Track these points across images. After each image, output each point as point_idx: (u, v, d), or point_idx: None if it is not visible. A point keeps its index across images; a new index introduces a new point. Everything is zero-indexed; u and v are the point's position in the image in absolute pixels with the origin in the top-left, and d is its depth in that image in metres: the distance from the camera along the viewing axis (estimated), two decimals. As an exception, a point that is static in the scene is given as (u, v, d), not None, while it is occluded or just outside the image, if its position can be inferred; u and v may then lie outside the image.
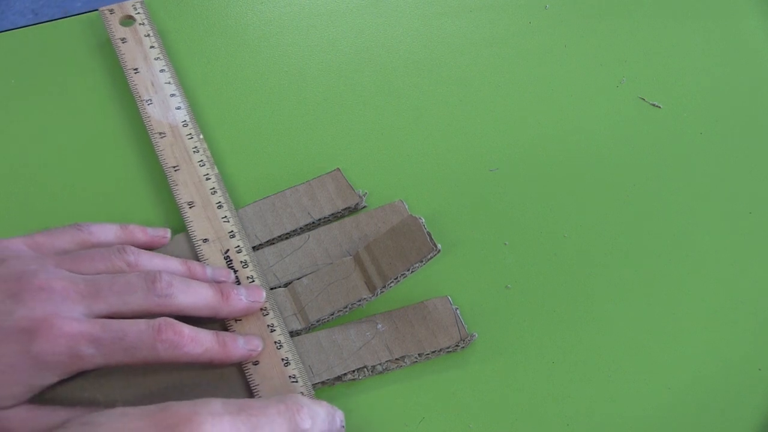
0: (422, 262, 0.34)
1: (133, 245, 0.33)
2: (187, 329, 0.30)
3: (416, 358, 0.34)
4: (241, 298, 0.33)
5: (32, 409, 0.29)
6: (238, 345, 0.32)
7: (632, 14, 0.47)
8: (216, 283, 0.33)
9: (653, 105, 0.43)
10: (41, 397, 0.29)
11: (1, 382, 0.28)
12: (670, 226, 0.39)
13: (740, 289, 0.37)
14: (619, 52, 0.45)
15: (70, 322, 0.28)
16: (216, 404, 0.26)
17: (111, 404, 0.31)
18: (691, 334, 0.35)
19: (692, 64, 0.45)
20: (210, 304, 0.32)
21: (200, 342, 0.30)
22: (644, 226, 0.39)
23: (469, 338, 0.34)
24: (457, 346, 0.34)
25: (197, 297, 0.32)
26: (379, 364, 0.34)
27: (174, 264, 0.34)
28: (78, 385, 0.31)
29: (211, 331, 0.31)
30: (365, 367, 0.33)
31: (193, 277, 0.33)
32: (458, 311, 0.35)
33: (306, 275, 0.36)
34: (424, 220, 0.35)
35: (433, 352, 0.34)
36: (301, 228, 0.38)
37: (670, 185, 0.40)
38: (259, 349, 0.32)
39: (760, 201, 0.40)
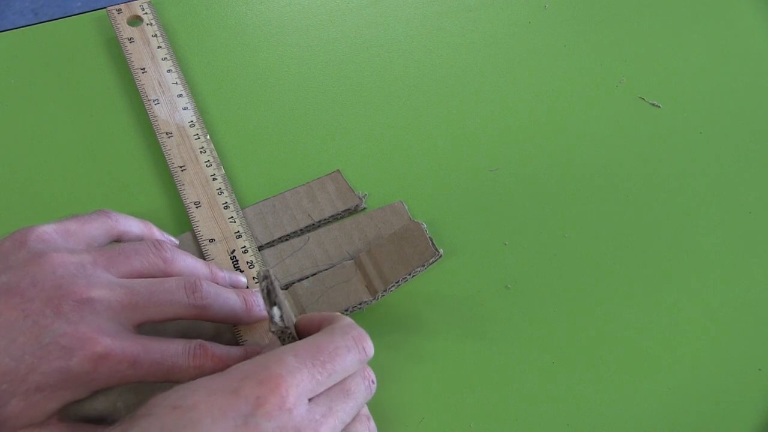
0: (424, 266, 0.33)
1: None
2: (218, 351, 0.28)
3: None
4: (260, 308, 0.31)
5: (65, 428, 0.27)
6: None
7: (632, 14, 0.45)
8: (238, 291, 0.31)
9: (653, 105, 0.41)
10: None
11: (38, 399, 0.26)
12: (669, 225, 0.37)
13: (740, 289, 0.35)
14: (619, 52, 0.43)
15: (113, 341, 0.26)
16: (290, 359, 0.24)
17: (111, 404, 0.30)
18: (691, 334, 0.34)
19: (692, 64, 0.43)
20: (236, 314, 0.30)
21: (231, 363, 0.28)
22: (644, 225, 0.37)
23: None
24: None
25: (227, 307, 0.30)
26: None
27: (201, 266, 0.32)
28: None
29: (241, 348, 0.29)
30: None
31: (215, 280, 0.31)
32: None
33: (307, 278, 0.34)
34: (426, 225, 0.33)
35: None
36: (301, 230, 0.36)
37: (670, 185, 0.38)
38: None
39: (760, 201, 0.38)
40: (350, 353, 0.25)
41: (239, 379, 0.24)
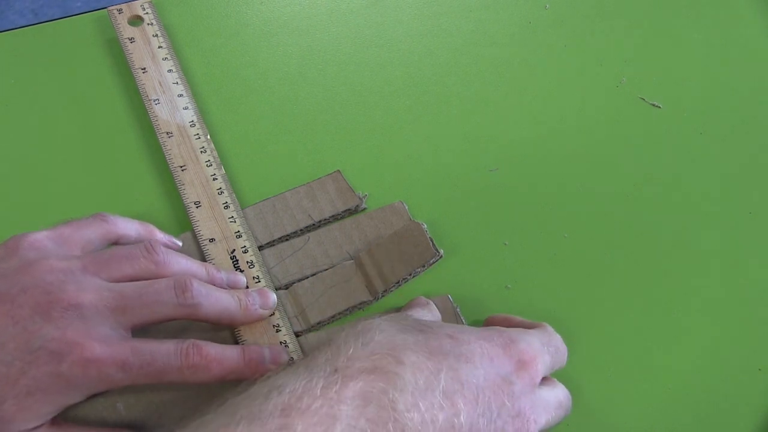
0: (424, 266, 0.32)
1: None
2: (213, 351, 0.28)
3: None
4: (257, 308, 0.31)
5: (59, 431, 0.27)
6: (264, 360, 0.29)
7: (632, 14, 0.45)
8: (233, 291, 0.31)
9: (653, 105, 0.41)
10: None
11: (31, 403, 0.25)
12: (670, 226, 0.37)
13: (740, 289, 0.35)
14: (619, 52, 0.43)
15: (101, 345, 0.26)
16: (538, 343, 0.28)
17: (111, 405, 0.29)
18: (691, 334, 0.34)
19: (692, 64, 0.43)
20: (231, 314, 0.30)
21: (226, 363, 0.28)
22: (644, 226, 0.37)
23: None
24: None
25: (219, 306, 0.29)
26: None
27: (197, 267, 0.31)
28: None
29: (237, 347, 0.29)
30: None
31: (211, 281, 0.31)
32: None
33: (307, 277, 0.34)
34: (426, 226, 0.33)
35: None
36: (301, 230, 0.35)
37: (670, 185, 0.38)
38: (285, 361, 0.30)
39: (760, 201, 0.38)
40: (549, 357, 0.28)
41: (507, 341, 0.27)
